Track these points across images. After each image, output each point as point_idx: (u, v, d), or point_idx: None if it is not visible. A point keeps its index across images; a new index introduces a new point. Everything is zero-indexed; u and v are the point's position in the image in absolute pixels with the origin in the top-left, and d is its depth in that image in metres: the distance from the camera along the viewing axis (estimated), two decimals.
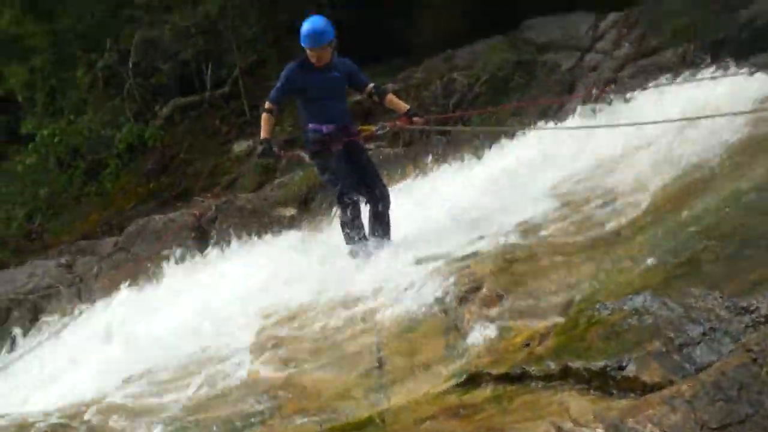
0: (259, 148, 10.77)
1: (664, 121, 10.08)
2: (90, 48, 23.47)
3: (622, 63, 15.83)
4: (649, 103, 12.66)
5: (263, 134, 10.65)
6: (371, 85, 11.10)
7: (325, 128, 10.65)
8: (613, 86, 14.94)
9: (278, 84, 10.75)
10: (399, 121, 11.29)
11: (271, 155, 10.94)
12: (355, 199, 10.61)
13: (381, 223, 10.86)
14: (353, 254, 10.66)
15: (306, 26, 10.53)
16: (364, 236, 10.81)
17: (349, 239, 10.76)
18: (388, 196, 10.94)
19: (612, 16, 17.21)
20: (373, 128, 11.61)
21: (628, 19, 16.95)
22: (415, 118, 11.05)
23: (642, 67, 15.23)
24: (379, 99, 11.10)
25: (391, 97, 11.21)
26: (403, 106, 11.17)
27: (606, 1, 17.73)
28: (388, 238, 10.84)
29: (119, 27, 23.12)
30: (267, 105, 10.70)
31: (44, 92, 21.91)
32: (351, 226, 10.71)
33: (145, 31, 23.15)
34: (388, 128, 12.03)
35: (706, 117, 9.54)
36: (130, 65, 22.78)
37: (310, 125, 10.78)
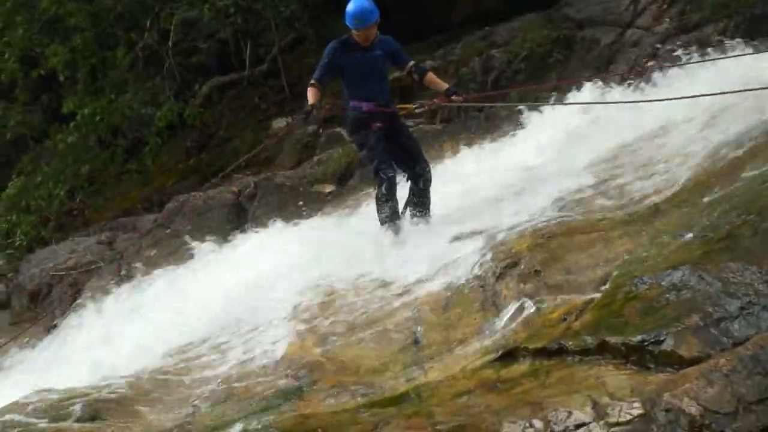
0: (305, 112, 10.84)
1: (692, 96, 9.95)
2: (130, 28, 23.56)
3: (662, 38, 15.67)
4: (688, 78, 12.53)
5: (311, 101, 10.68)
6: (411, 63, 11.12)
7: (364, 106, 10.70)
8: (653, 61, 14.81)
9: (321, 62, 10.83)
10: (438, 99, 11.31)
11: (316, 119, 11.03)
12: (390, 175, 10.58)
13: (421, 200, 10.86)
14: (386, 230, 10.67)
15: (352, 6, 10.54)
16: (398, 213, 10.78)
17: (383, 215, 10.73)
18: (429, 172, 10.93)
19: None
20: (412, 106, 11.64)
21: None
22: (454, 97, 11.05)
23: (683, 42, 15.08)
24: (419, 78, 11.12)
25: (431, 76, 11.22)
26: (443, 84, 11.18)
27: None
28: (428, 215, 10.85)
29: (159, 7, 23.20)
30: (312, 82, 10.77)
31: (85, 71, 21.97)
32: (385, 203, 10.68)
33: (184, 10, 23.21)
34: (426, 107, 12.06)
35: (740, 91, 9.45)
36: (170, 45, 22.85)
37: (351, 103, 10.84)
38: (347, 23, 10.61)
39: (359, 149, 11.15)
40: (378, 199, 10.79)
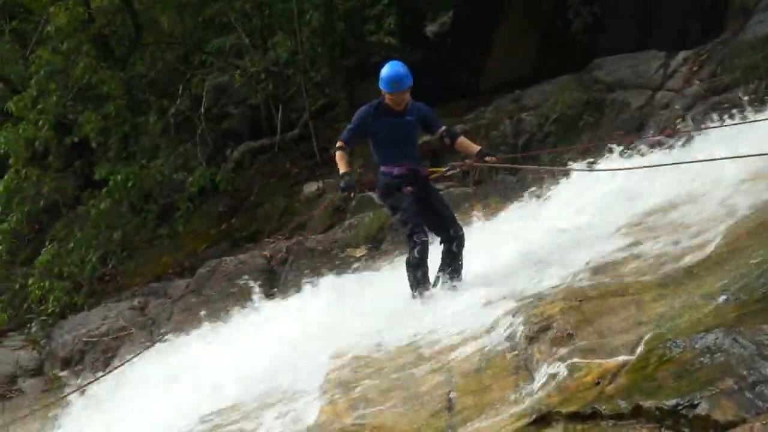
0: (341, 183, 10.81)
1: (728, 158, 9.91)
2: (162, 94, 23.82)
3: (693, 101, 15.68)
4: (720, 141, 12.50)
5: (342, 169, 10.70)
6: (444, 128, 11.14)
7: (396, 171, 10.72)
8: (684, 124, 14.81)
9: (350, 125, 10.89)
10: (470, 161, 11.25)
11: (352, 188, 11.04)
12: (424, 239, 10.56)
13: (454, 263, 10.82)
14: (417, 295, 10.65)
15: (388, 71, 10.61)
16: (428, 278, 10.75)
17: (415, 280, 10.72)
18: (462, 236, 10.90)
19: (682, 54, 17.10)
20: (443, 169, 11.64)
21: (699, 57, 16.84)
22: (487, 158, 11.04)
23: (713, 104, 15.07)
24: (450, 142, 11.11)
25: (462, 140, 11.21)
26: (475, 147, 11.15)
27: (676, 39, 17.64)
28: (460, 278, 10.80)
29: (191, 73, 23.45)
30: (338, 144, 10.85)
31: (117, 138, 22.17)
32: (417, 267, 10.66)
33: (215, 77, 23.45)
34: (458, 169, 12.04)
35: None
36: (202, 110, 23.05)
37: (382, 168, 10.86)
38: (381, 87, 10.65)
39: (392, 213, 11.13)
40: (409, 264, 10.76)
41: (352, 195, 12.85)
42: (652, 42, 17.93)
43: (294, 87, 22.54)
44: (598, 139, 15.85)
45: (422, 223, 10.67)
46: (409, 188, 10.68)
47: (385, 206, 11.47)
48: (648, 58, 17.49)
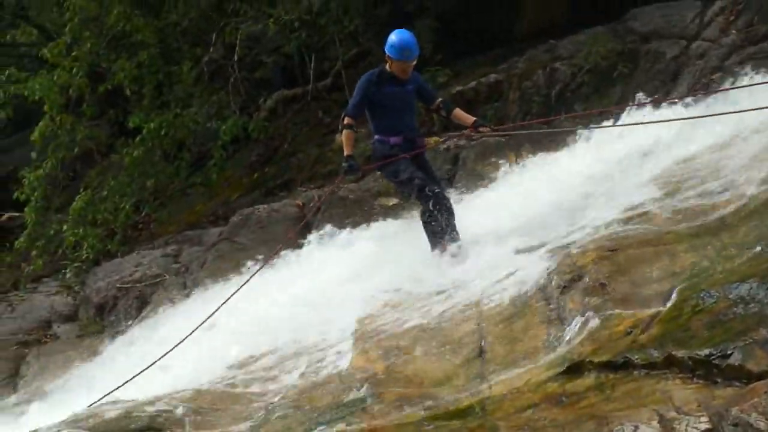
0: (344, 166, 10.69)
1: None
2: (196, 42, 23.77)
3: (729, 51, 15.52)
4: (755, 93, 12.38)
5: (347, 151, 10.59)
6: (439, 100, 11.24)
7: (392, 140, 10.72)
8: (720, 75, 14.68)
9: (356, 98, 10.79)
10: (466, 132, 11.22)
11: (356, 172, 11.03)
12: (437, 190, 10.46)
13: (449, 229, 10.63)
14: (436, 252, 10.44)
15: (401, 38, 10.60)
16: (454, 228, 10.48)
17: (432, 234, 10.49)
18: (451, 205, 10.72)
19: (719, 3, 16.87)
20: (440, 140, 11.65)
21: (736, 6, 16.62)
22: (481, 128, 11.05)
23: (750, 54, 14.92)
24: (446, 114, 11.18)
25: (457, 111, 11.18)
26: (470, 118, 11.08)
27: None
28: (458, 238, 10.50)
29: (224, 21, 23.39)
30: (346, 120, 10.67)
31: (151, 86, 22.14)
32: (435, 220, 10.41)
33: (249, 25, 23.38)
34: (455, 140, 12.04)
35: None
36: (235, 59, 22.99)
37: (377, 137, 10.86)
38: (391, 54, 10.58)
39: (393, 177, 10.97)
40: (425, 218, 10.56)
41: (357, 176, 12.63)
42: None
43: (327, 36, 22.45)
44: (634, 88, 15.71)
45: (427, 177, 10.62)
46: (405, 156, 10.64)
47: (385, 175, 11.37)
48: (683, 8, 17.28)
